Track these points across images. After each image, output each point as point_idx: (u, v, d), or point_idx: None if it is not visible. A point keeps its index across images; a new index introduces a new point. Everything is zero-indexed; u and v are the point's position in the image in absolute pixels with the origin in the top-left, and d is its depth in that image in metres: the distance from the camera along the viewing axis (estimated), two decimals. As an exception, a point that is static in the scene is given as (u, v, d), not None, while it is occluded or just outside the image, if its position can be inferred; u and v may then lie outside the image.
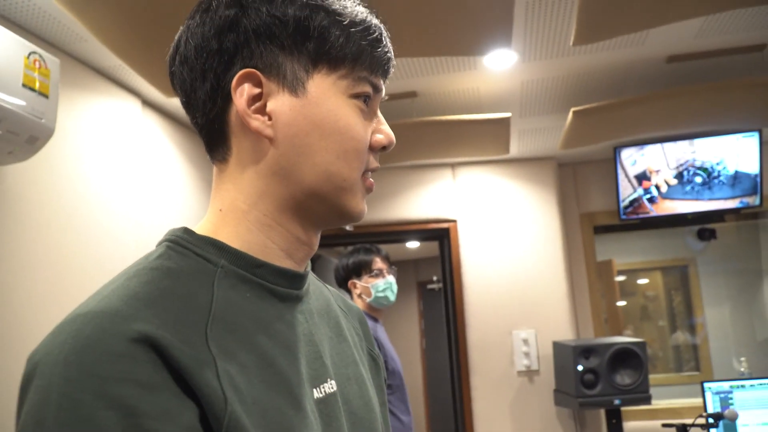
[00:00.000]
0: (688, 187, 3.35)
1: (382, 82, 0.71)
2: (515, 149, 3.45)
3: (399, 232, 3.66)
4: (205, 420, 0.53)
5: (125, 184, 2.29)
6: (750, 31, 2.25)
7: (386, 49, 0.70)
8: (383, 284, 2.69)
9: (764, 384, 2.87)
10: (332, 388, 0.69)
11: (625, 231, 4.08)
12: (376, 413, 0.76)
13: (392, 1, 1.67)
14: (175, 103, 2.51)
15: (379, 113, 0.71)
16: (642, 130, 2.98)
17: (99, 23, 1.66)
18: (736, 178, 3.29)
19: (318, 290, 0.80)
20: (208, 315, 0.58)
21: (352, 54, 0.66)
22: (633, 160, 3.38)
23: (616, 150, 3.39)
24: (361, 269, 2.74)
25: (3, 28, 1.49)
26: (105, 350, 0.50)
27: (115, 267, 0.54)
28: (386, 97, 0.74)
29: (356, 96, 0.68)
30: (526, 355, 3.39)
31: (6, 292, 1.72)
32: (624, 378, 2.92)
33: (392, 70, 0.73)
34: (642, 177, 3.39)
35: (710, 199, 3.34)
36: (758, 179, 3.27)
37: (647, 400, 2.90)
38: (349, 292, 2.78)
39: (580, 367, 2.91)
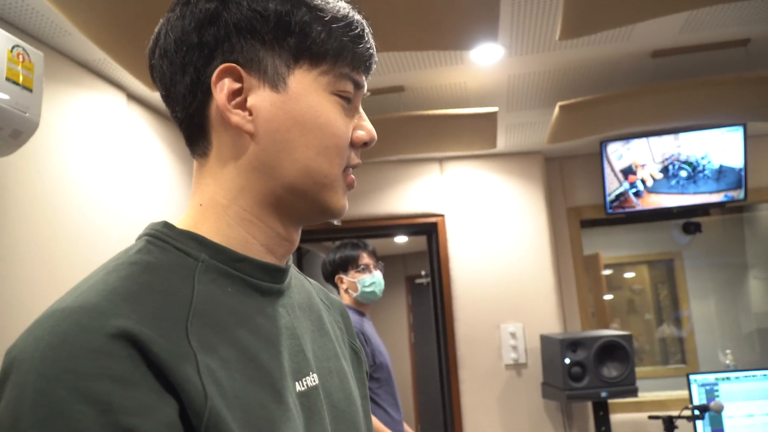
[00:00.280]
0: (673, 181, 3.37)
1: (364, 78, 0.71)
2: (502, 144, 3.46)
3: (387, 226, 3.66)
4: (185, 415, 0.52)
5: (110, 178, 2.27)
6: (734, 26, 2.26)
7: (368, 46, 0.70)
8: (370, 279, 2.70)
9: (749, 376, 2.90)
10: (314, 381, 0.69)
11: (612, 225, 4.11)
12: (357, 406, 0.76)
13: (378, -4, 1.66)
14: (160, 97, 2.49)
15: (360, 109, 0.71)
16: (628, 125, 3.00)
17: (83, 16, 1.64)
18: (721, 172, 3.32)
19: (300, 284, 0.79)
20: (188, 310, 0.58)
21: (333, 50, 0.66)
22: (619, 154, 3.40)
23: (603, 144, 3.40)
24: (348, 264, 2.74)
25: (-15, 21, 1.48)
26: (82, 346, 0.49)
27: (101, 261, 0.54)
28: (368, 93, 0.73)
29: (337, 93, 0.67)
30: (514, 348, 3.41)
31: (-10, 287, 1.71)
32: (611, 371, 2.94)
33: (374, 66, 0.72)
34: (628, 171, 3.41)
35: (695, 193, 3.36)
36: (743, 173, 3.29)
37: (634, 392, 2.92)
38: (336, 287, 2.78)
39: (567, 360, 2.93)
